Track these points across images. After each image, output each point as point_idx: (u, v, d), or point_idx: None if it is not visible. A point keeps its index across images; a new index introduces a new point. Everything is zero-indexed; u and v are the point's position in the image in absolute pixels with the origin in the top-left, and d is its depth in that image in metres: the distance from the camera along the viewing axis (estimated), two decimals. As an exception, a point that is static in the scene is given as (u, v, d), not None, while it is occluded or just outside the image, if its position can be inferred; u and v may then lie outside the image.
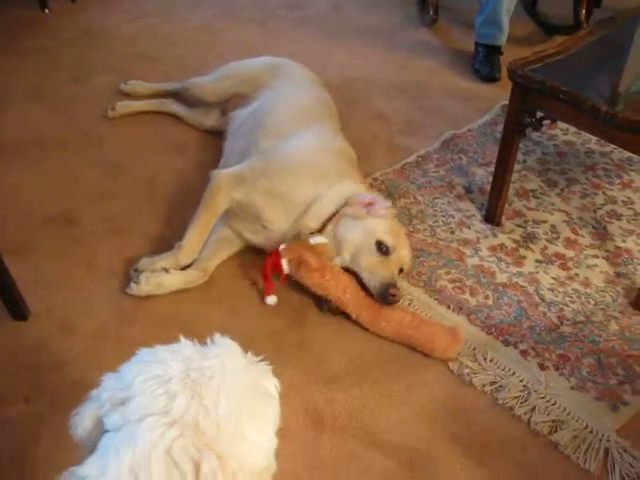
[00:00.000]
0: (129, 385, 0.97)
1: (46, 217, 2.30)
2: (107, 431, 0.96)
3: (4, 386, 1.77)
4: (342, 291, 1.91)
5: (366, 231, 1.94)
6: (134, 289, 1.99)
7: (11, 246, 2.05)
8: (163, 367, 0.98)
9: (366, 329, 1.93)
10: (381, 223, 1.97)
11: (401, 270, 2.00)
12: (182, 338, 1.07)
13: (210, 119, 2.70)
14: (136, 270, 2.02)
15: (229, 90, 2.62)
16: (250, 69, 2.63)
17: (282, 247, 1.96)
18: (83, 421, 0.99)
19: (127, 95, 2.87)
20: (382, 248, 1.93)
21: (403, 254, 1.99)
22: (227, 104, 2.63)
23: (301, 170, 2.07)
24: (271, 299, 2.00)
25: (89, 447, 0.98)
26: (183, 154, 2.62)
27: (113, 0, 3.77)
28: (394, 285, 1.90)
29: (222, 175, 2.08)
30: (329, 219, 2.00)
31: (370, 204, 1.98)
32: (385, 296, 1.88)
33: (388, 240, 1.94)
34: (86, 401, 1.01)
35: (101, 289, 2.05)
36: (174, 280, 2.01)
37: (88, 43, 3.31)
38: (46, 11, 3.52)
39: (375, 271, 1.91)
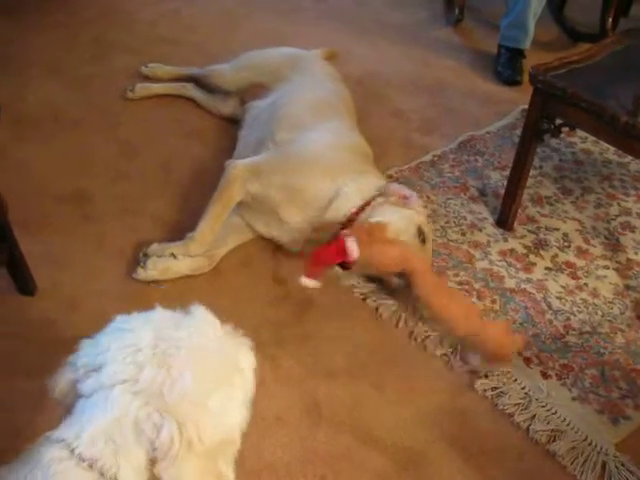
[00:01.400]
0: (104, 352, 1.00)
1: (59, 194, 2.31)
2: (81, 396, 1.00)
3: (7, 359, 1.78)
4: (419, 264, 1.81)
5: (409, 217, 1.93)
6: (140, 274, 1.99)
7: (22, 221, 2.05)
8: (135, 336, 1.01)
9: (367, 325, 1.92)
10: (420, 213, 1.98)
11: None
12: (158, 306, 1.08)
13: (228, 107, 2.69)
14: (145, 255, 2.02)
15: (248, 80, 2.61)
16: (270, 60, 2.62)
17: (345, 232, 1.83)
18: (59, 384, 1.04)
19: (146, 77, 2.87)
20: (421, 235, 1.93)
21: (429, 248, 2.00)
22: (246, 93, 2.62)
23: (319, 165, 2.06)
24: (313, 282, 1.78)
25: (66, 409, 1.02)
26: (199, 140, 2.61)
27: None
28: None
29: (238, 166, 2.06)
30: (356, 212, 1.97)
31: (406, 198, 1.98)
32: None
33: (427, 229, 1.96)
34: (63, 365, 1.05)
35: (109, 269, 2.06)
36: (181, 266, 2.01)
37: (108, 23, 3.30)
38: (69, -12, 3.52)
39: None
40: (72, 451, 0.94)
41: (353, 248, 1.72)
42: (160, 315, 1.06)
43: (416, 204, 1.99)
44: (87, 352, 1.03)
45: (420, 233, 1.93)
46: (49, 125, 2.62)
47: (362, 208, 1.97)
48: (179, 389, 0.96)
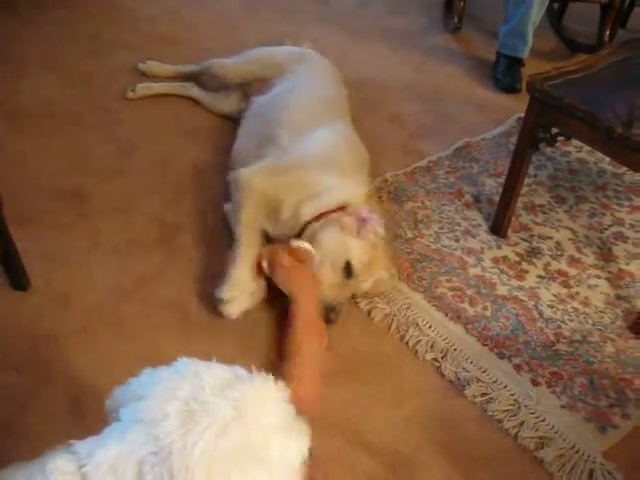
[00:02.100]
0: (150, 385, 1.00)
1: (55, 190, 2.31)
2: (118, 419, 0.99)
3: (-3, 354, 1.79)
4: (297, 289, 1.86)
5: (343, 248, 1.90)
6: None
7: (17, 216, 2.05)
8: (177, 384, 0.99)
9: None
10: (360, 247, 1.91)
11: (354, 296, 2.00)
12: (214, 360, 1.05)
13: (229, 105, 2.69)
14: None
15: (253, 73, 2.62)
16: (276, 55, 2.65)
17: (264, 249, 1.96)
18: (111, 400, 1.05)
19: (143, 74, 2.87)
20: (347, 271, 1.90)
21: (362, 285, 1.96)
22: (249, 87, 2.62)
23: (320, 161, 2.06)
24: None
25: (110, 420, 1.03)
26: (198, 139, 2.61)
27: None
28: (335, 310, 1.89)
29: (246, 172, 2.05)
30: (324, 214, 1.96)
31: (364, 220, 1.92)
32: (326, 316, 1.87)
33: (357, 266, 1.90)
34: (122, 384, 1.07)
35: (103, 266, 2.06)
36: None
37: (107, 19, 3.30)
38: (68, -17, 3.52)
39: (329, 289, 1.88)
40: (80, 467, 0.93)
41: (264, 265, 1.93)
42: (212, 372, 1.01)
43: (371, 230, 1.92)
44: (141, 380, 1.03)
45: (348, 268, 1.89)
46: (46, 120, 2.62)
47: (320, 216, 1.96)
48: (186, 459, 0.91)
